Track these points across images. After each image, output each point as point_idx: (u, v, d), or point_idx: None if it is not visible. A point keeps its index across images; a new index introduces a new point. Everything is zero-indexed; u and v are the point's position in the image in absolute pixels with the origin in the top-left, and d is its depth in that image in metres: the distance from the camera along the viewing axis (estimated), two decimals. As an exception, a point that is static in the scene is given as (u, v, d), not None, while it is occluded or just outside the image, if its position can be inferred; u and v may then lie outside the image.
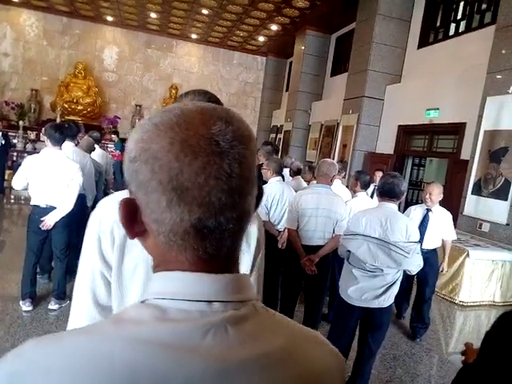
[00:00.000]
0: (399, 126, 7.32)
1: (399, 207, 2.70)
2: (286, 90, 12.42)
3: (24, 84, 12.29)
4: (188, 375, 0.39)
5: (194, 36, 13.02)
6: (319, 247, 3.04)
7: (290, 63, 12.44)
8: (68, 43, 12.62)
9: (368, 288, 2.42)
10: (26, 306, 3.22)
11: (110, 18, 12.31)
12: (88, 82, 12.37)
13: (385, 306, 2.46)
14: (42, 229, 3.12)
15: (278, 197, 3.38)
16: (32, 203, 3.16)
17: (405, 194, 2.57)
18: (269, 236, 3.44)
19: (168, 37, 13.20)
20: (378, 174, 5.03)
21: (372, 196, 4.38)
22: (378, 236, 2.36)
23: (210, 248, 0.43)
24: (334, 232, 3.05)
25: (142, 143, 0.43)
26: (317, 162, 8.14)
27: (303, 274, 3.10)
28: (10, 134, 9.11)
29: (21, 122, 10.71)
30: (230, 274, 0.45)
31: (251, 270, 1.00)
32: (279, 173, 3.51)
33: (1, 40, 12.18)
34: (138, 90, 13.33)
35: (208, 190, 0.41)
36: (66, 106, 11.73)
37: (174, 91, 12.94)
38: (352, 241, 2.45)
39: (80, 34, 12.66)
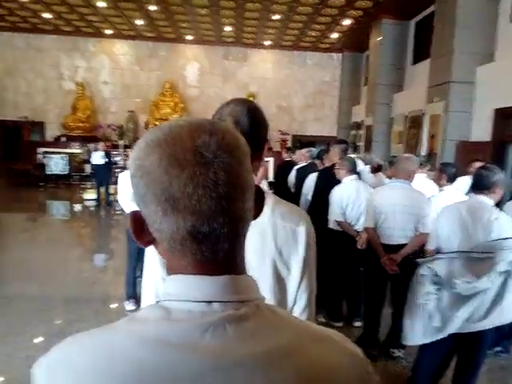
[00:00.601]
0: (496, 109, 6.60)
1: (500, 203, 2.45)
2: (365, 85, 11.98)
3: (122, 107, 13.72)
4: (187, 370, 0.42)
5: (267, 42, 13.26)
6: (401, 246, 2.91)
7: (367, 56, 11.98)
8: (155, 65, 13.78)
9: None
10: (129, 306, 3.63)
11: (189, 37, 13.15)
12: (174, 99, 13.36)
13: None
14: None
15: (354, 196, 3.32)
16: (127, 213, 3.57)
17: (500, 186, 2.32)
18: (347, 237, 3.39)
19: (242, 46, 13.64)
20: (475, 165, 4.58)
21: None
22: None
23: (207, 252, 0.47)
24: (416, 230, 2.90)
25: (137, 160, 0.48)
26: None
27: (387, 275, 3.00)
28: (112, 152, 10.23)
29: (121, 142, 12.02)
30: (229, 275, 0.47)
31: (302, 270, 1.02)
32: (353, 171, 3.44)
33: (101, 70, 13.78)
34: (218, 102, 13.86)
35: (197, 199, 0.44)
36: (157, 123, 12.82)
37: (251, 99, 13.33)
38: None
39: (165, 56, 13.74)
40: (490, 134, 6.73)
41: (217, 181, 0.45)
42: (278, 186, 5.99)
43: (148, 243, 0.50)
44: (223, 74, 13.89)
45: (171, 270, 0.50)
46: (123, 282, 3.75)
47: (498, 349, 3.16)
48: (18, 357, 2.81)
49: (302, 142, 11.43)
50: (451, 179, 3.42)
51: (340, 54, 13.63)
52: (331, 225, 3.49)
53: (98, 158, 9.01)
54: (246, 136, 0.98)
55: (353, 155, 5.11)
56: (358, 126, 12.02)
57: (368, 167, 4.70)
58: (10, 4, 10.51)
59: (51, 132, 13.61)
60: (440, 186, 3.50)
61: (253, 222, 0.97)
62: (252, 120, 1.00)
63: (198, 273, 0.47)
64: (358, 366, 0.51)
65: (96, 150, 9.35)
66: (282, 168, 5.94)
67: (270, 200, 1.03)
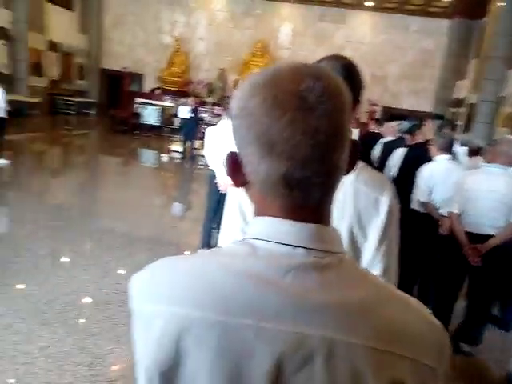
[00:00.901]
0: None
1: None
2: (475, 57, 10.71)
3: (213, 64, 14.05)
4: (268, 305, 0.44)
5: (368, 3, 12.38)
6: (488, 237, 2.67)
7: (482, 24, 10.61)
8: (249, 24, 13.72)
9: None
10: (202, 253, 3.88)
11: (288, -5, 12.80)
12: (265, 59, 13.29)
13: None
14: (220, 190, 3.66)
15: (443, 177, 3.07)
16: (210, 167, 3.73)
17: None
18: (430, 220, 3.20)
19: (341, 7, 12.92)
20: None
21: None
22: None
23: (298, 198, 0.47)
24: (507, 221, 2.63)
25: (240, 102, 0.48)
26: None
27: (467, 266, 2.80)
28: (200, 108, 10.61)
29: (209, 99, 12.41)
30: (317, 224, 0.48)
31: (380, 240, 0.99)
32: (447, 150, 3.17)
33: (197, 26, 14.12)
34: (309, 65, 13.58)
35: (295, 144, 0.44)
36: (246, 82, 12.94)
37: (344, 64, 12.72)
38: None
39: (260, 14, 13.58)
40: None
41: (317, 128, 0.44)
42: (361, 159, 5.79)
43: (242, 184, 0.52)
44: (317, 36, 13.40)
45: (260, 212, 0.51)
46: (200, 231, 4.00)
47: None
48: (106, 283, 3.21)
49: (392, 114, 10.73)
50: None
51: (449, 21, 12.26)
52: (414, 205, 3.30)
53: (184, 112, 9.39)
54: None
55: (450, 134, 4.71)
56: (458, 103, 10.93)
57: (465, 149, 4.30)
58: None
59: (148, 84, 14.50)
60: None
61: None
62: (344, 76, 0.95)
63: (286, 217, 0.48)
64: (435, 334, 0.50)
65: (184, 104, 9.70)
66: (367, 140, 5.67)
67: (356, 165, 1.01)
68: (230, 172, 0.52)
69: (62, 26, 13.30)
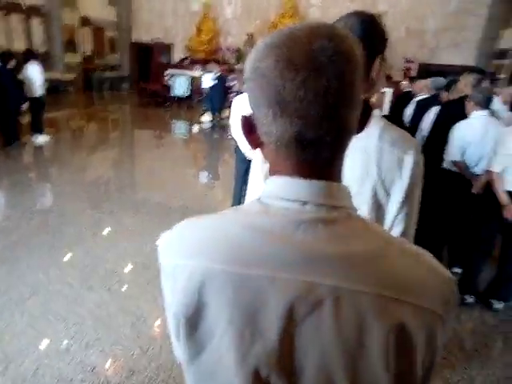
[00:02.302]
0: None
1: None
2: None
3: (242, 29, 13.68)
4: (280, 256, 0.48)
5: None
6: None
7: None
8: (277, -17, 13.13)
9: None
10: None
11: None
12: (295, 20, 12.76)
13: None
14: (247, 158, 3.69)
15: (479, 134, 2.93)
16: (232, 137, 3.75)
17: None
18: (462, 179, 3.10)
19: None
20: None
21: None
22: None
23: (309, 156, 0.49)
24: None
25: (254, 62, 0.50)
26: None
27: (500, 226, 2.72)
28: (228, 76, 10.45)
29: (238, 66, 12.20)
30: (326, 181, 0.50)
31: (404, 198, 0.99)
32: (485, 106, 3.00)
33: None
34: (340, 23, 12.91)
35: (307, 104, 0.46)
36: (274, 47, 12.58)
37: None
38: None
39: (288, -28, 12.93)
40: None
41: (328, 88, 0.46)
42: (392, 121, 5.57)
43: (256, 145, 0.54)
44: (349, -10, 12.63)
45: (274, 171, 0.53)
46: (230, 198, 4.09)
47: None
48: (144, 250, 3.40)
49: (430, 71, 10.12)
50: None
51: (497, -39, 11.13)
52: (446, 164, 3.19)
53: (208, 80, 9.14)
54: None
55: (490, 88, 4.42)
56: (503, 54, 10.11)
57: (506, 106, 4.04)
58: None
59: (177, 54, 14.42)
60: None
61: (357, 148, 0.96)
62: (363, 28, 0.95)
63: (297, 175, 0.50)
64: (442, 283, 0.52)
65: (209, 72, 9.39)
66: (400, 100, 5.44)
67: (380, 124, 1.00)
68: (246, 134, 0.54)
69: (92, 0, 13.35)
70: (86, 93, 13.17)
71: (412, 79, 5.88)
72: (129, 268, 3.15)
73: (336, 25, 0.50)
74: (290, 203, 0.50)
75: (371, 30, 0.96)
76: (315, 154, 0.49)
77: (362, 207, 0.99)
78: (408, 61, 11.61)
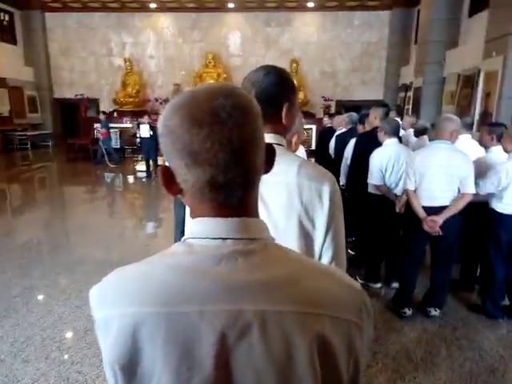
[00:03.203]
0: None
1: None
2: (415, 43, 11.26)
3: (167, 80, 14.04)
4: (202, 290, 0.52)
5: (310, 4, 12.78)
6: (443, 208, 2.87)
7: (418, 11, 11.18)
8: (198, 37, 13.83)
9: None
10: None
11: (231, 5, 12.99)
12: (218, 69, 13.42)
13: None
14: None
15: (394, 159, 3.27)
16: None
17: None
18: (386, 201, 3.39)
19: (285, 11, 13.26)
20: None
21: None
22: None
23: (223, 198, 0.55)
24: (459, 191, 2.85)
25: (164, 121, 0.56)
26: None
27: (427, 237, 2.99)
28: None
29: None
30: (242, 217, 0.56)
31: (327, 227, 1.06)
32: (394, 134, 3.38)
33: (147, 45, 14.10)
34: (262, 70, 13.80)
35: (214, 153, 0.52)
36: (202, 94, 12.98)
37: (294, 65, 13.02)
38: None
39: (207, 26, 13.73)
40: (555, 89, 6.17)
41: (231, 137, 0.52)
42: (319, 154, 5.96)
43: (177, 193, 0.59)
44: (266, 40, 13.67)
45: (194, 214, 0.59)
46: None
47: None
48: (83, 312, 3.19)
49: (346, 107, 11.10)
50: (500, 139, 3.25)
51: (389, 12, 12.85)
52: (370, 189, 3.48)
53: (145, 131, 9.32)
54: (262, 96, 1.05)
55: (396, 119, 4.96)
56: (406, 87, 11.44)
57: (412, 130, 4.56)
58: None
59: (104, 108, 14.29)
60: (487, 147, 3.34)
61: (279, 183, 1.05)
62: (269, 81, 1.07)
63: (215, 215, 0.56)
64: (354, 296, 0.59)
65: (142, 123, 9.65)
66: (324, 135, 5.87)
67: (298, 161, 1.09)
68: (165, 183, 0.58)
69: (7, 61, 12.96)
70: (8, 154, 12.41)
71: (331, 115, 6.41)
72: (67, 333, 2.93)
73: (233, 85, 0.58)
74: (212, 241, 0.55)
75: (277, 78, 1.08)
76: (229, 194, 0.55)
77: (292, 237, 1.06)
78: (326, 99, 12.63)
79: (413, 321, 3.10)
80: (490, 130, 3.34)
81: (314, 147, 7.19)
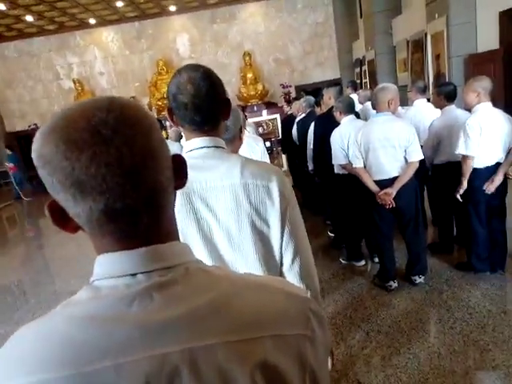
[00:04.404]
0: (501, 12, 6.13)
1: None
2: (361, 17, 11.34)
3: (123, 95, 13.52)
4: (116, 341, 0.44)
5: (252, -6, 12.67)
6: (395, 179, 2.87)
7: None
8: (145, 45, 13.53)
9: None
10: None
11: (172, 8, 12.74)
12: (171, 75, 13.11)
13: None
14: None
15: (352, 136, 3.25)
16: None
17: None
18: (354, 179, 3.36)
19: (228, 5, 13.12)
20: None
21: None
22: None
23: (124, 228, 0.47)
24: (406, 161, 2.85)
25: (36, 152, 0.46)
26: (409, 84, 7.37)
27: (389, 211, 2.98)
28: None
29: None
30: (150, 246, 0.48)
31: (282, 224, 1.00)
32: (350, 111, 3.35)
33: (94, 62, 13.70)
34: (215, 68, 13.51)
35: (102, 178, 0.43)
36: (160, 103, 12.74)
37: (247, 58, 12.85)
38: None
39: (153, 33, 13.43)
40: (498, 40, 6.31)
41: (120, 156, 0.44)
42: (284, 143, 5.92)
43: (75, 230, 0.50)
44: (215, 38, 13.49)
45: (97, 250, 0.50)
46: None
47: None
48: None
49: (306, 91, 11.09)
50: (451, 98, 3.27)
51: (330, -11, 12.89)
52: (337, 169, 3.46)
53: None
54: (207, 99, 1.00)
55: (353, 95, 4.96)
56: (360, 62, 11.53)
57: (369, 103, 4.56)
58: (-10, 15, 10.48)
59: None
60: (441, 108, 3.36)
61: (224, 187, 0.98)
62: (210, 82, 1.02)
63: (119, 249, 0.47)
64: (298, 304, 0.53)
65: None
66: (285, 123, 5.83)
67: (239, 161, 1.02)
68: (56, 222, 0.49)
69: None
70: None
71: (289, 102, 6.36)
72: None
73: (114, 96, 0.49)
74: (120, 279, 0.47)
75: (214, 78, 1.04)
76: (131, 222, 0.47)
77: (246, 242, 1.00)
78: (285, 86, 12.59)
79: (400, 292, 3.10)
80: (438, 91, 3.36)
81: (280, 136, 7.16)
